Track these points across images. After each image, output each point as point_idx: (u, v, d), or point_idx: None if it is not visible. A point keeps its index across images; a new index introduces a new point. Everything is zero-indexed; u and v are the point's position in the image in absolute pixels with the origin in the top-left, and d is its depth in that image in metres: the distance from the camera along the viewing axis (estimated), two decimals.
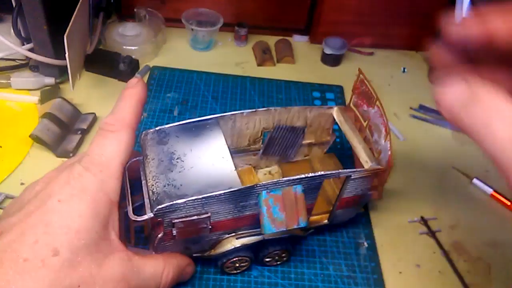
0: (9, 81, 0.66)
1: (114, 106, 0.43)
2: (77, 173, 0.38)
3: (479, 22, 0.29)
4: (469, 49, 0.30)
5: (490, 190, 0.62)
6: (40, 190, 0.39)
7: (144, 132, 0.47)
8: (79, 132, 0.61)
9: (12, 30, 0.64)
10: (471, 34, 0.29)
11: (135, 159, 0.47)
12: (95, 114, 0.64)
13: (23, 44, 0.66)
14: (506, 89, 0.28)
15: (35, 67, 0.68)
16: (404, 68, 0.83)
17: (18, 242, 0.34)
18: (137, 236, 0.51)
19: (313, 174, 0.43)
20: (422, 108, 0.74)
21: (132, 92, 0.43)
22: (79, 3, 0.63)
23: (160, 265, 0.42)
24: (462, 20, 0.30)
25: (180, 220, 0.41)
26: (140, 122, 0.64)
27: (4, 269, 0.33)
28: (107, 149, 0.39)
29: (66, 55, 0.59)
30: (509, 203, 0.61)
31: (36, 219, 0.36)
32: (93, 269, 0.36)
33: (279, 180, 0.42)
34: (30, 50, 0.64)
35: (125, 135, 0.41)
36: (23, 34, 0.65)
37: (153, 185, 0.42)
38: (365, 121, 0.52)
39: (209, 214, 0.42)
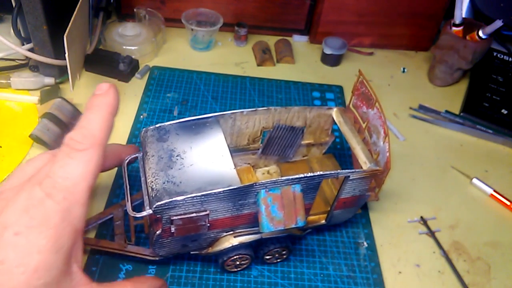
0: (9, 81, 0.66)
1: (82, 118, 0.36)
2: (37, 200, 0.32)
3: None
4: None
5: (489, 190, 0.62)
6: None
7: (144, 129, 0.48)
8: None
9: (12, 30, 0.64)
10: None
11: (134, 155, 0.47)
12: None
13: (23, 44, 0.66)
14: None
15: (35, 67, 0.68)
16: (404, 68, 0.83)
17: None
18: (137, 236, 0.51)
19: (312, 174, 0.43)
20: (422, 108, 0.74)
21: (102, 102, 0.36)
22: (79, 3, 0.63)
23: None
24: None
25: (179, 217, 0.41)
26: (140, 122, 0.65)
27: None
28: (73, 171, 0.33)
29: (66, 55, 0.59)
30: (508, 203, 0.61)
31: None
32: None
33: (278, 179, 0.42)
34: (30, 50, 0.64)
35: (94, 154, 0.34)
36: (23, 34, 0.65)
37: (152, 182, 0.42)
38: (364, 123, 0.52)
39: (207, 212, 0.42)
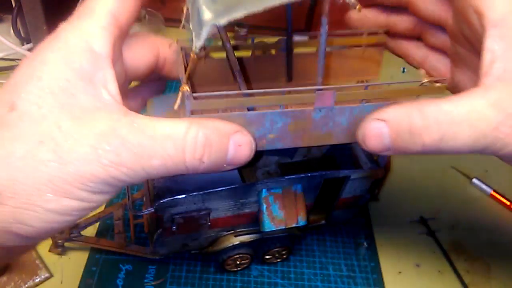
0: None
1: None
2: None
3: None
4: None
5: (489, 190, 0.62)
6: None
7: None
8: None
9: (12, 30, 0.64)
10: None
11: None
12: None
13: (23, 44, 0.66)
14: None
15: None
16: (404, 68, 0.83)
17: None
18: (137, 235, 0.51)
19: (313, 173, 0.43)
20: None
21: None
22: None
23: (183, 124, 0.30)
24: None
25: (180, 215, 0.41)
26: None
27: None
28: None
29: None
30: (508, 203, 0.61)
31: None
32: (64, 122, 0.28)
33: (280, 178, 0.42)
34: (30, 50, 0.64)
35: None
36: (23, 34, 0.65)
37: (153, 179, 0.42)
38: None
39: (209, 210, 0.42)
